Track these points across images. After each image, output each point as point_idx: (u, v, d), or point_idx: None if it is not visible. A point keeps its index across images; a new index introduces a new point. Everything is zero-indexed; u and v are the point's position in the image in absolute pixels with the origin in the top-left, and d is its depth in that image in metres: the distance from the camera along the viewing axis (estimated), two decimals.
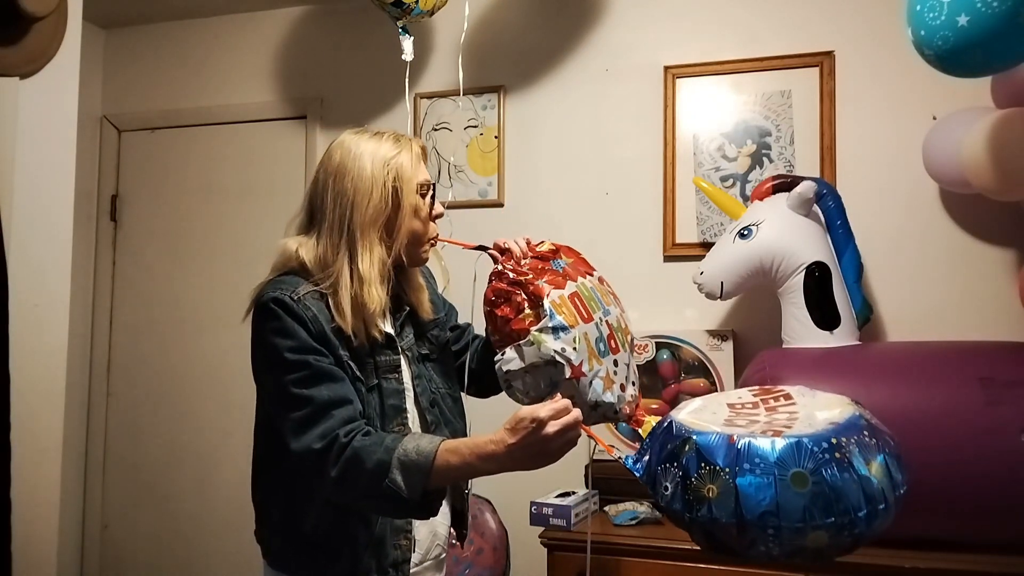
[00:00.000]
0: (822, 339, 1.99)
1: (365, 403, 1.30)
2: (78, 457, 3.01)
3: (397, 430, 1.32)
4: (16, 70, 1.76)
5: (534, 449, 1.12)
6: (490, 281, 1.33)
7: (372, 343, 1.33)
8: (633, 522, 2.01)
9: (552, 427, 1.11)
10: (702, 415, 1.13)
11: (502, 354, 1.26)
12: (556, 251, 1.40)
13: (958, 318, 2.18)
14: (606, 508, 2.10)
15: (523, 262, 1.34)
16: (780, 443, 0.98)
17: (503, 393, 1.32)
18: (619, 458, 1.16)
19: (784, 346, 2.06)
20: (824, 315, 2.00)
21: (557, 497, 2.06)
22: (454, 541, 1.54)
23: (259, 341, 1.29)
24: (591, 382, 1.25)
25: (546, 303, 1.25)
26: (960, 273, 2.20)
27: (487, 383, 1.49)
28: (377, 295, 1.29)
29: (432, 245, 1.44)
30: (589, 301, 1.32)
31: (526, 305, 1.28)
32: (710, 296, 2.11)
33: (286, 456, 1.24)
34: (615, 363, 1.31)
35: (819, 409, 1.08)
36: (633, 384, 1.38)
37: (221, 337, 2.88)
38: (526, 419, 1.12)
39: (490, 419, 1.41)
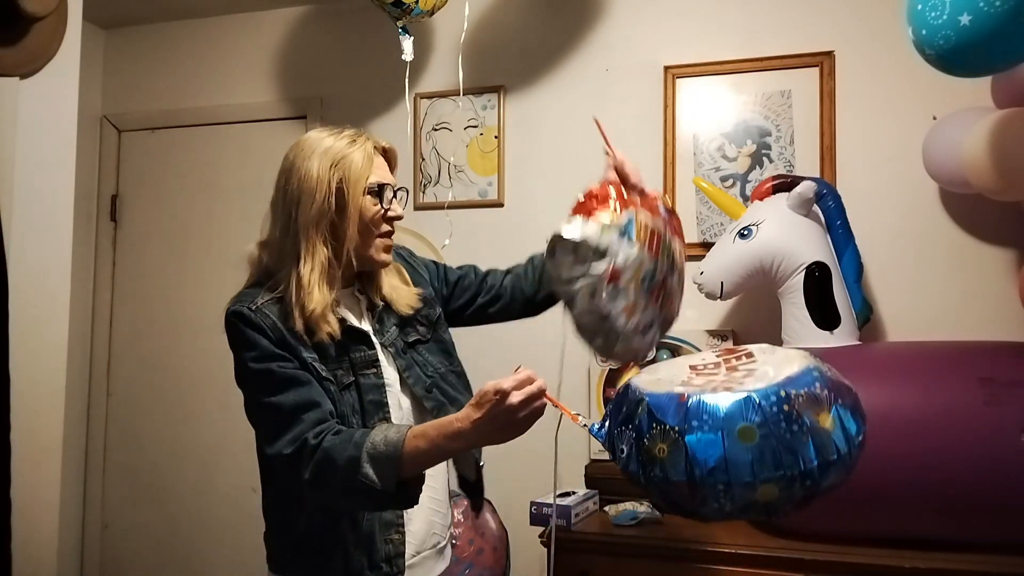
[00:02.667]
0: (822, 339, 1.99)
1: (338, 402, 1.30)
2: (78, 457, 3.00)
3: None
4: (16, 70, 1.76)
5: (500, 421, 1.12)
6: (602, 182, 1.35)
7: (343, 340, 1.32)
8: (633, 522, 2.01)
9: (515, 397, 1.10)
10: (661, 376, 1.12)
11: (569, 221, 1.26)
12: (671, 211, 1.37)
13: (958, 318, 2.18)
14: (606, 508, 2.10)
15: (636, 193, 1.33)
16: (729, 398, 0.97)
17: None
18: (584, 425, 1.16)
19: (784, 346, 2.06)
20: (824, 315, 2.00)
21: (558, 497, 2.06)
22: (455, 536, 1.53)
23: (233, 354, 1.32)
24: (616, 296, 1.22)
25: (631, 212, 1.24)
26: (960, 273, 2.20)
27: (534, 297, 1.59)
28: (319, 297, 1.28)
29: (386, 251, 1.39)
30: (665, 247, 1.27)
31: (617, 206, 1.27)
32: (710, 296, 2.11)
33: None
34: (645, 307, 1.25)
35: (777, 364, 1.08)
36: (648, 343, 1.31)
37: (221, 337, 2.87)
38: (489, 392, 1.12)
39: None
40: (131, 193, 3.12)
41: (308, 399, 1.25)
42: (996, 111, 1.82)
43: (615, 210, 1.25)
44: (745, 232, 2.07)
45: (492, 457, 2.07)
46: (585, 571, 1.92)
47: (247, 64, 2.99)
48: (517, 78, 2.66)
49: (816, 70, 2.34)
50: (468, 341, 1.63)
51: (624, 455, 1.05)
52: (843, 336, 2.00)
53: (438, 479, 1.45)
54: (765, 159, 2.37)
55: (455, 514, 1.59)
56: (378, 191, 1.35)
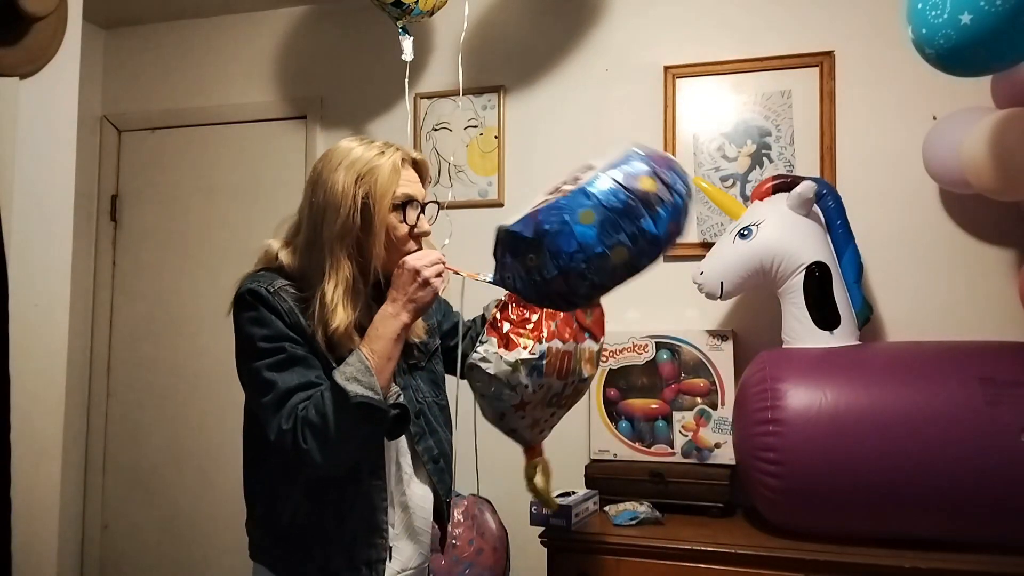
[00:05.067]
0: (822, 339, 1.99)
1: None
2: (78, 457, 3.00)
3: None
4: (16, 70, 1.76)
5: (410, 283, 1.28)
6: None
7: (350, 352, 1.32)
8: (633, 522, 2.00)
9: (412, 260, 1.29)
10: (522, 208, 1.28)
11: (482, 345, 1.38)
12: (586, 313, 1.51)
13: (958, 318, 2.18)
14: (606, 508, 2.10)
15: None
16: (567, 195, 1.16)
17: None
18: (484, 279, 1.32)
19: (784, 346, 2.06)
20: (824, 315, 2.00)
21: (557, 497, 2.06)
22: (455, 536, 1.56)
23: (237, 331, 1.32)
24: (523, 419, 1.43)
25: (544, 346, 1.38)
26: (960, 273, 2.20)
27: None
28: (342, 315, 1.28)
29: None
30: (575, 364, 1.43)
31: (530, 329, 1.41)
32: (710, 296, 2.11)
33: (267, 450, 1.27)
34: (552, 414, 1.48)
35: (604, 160, 1.23)
36: (554, 423, 1.54)
37: (221, 337, 2.85)
38: (397, 269, 1.30)
39: (479, 429, 1.42)
40: (131, 193, 3.12)
41: (310, 380, 1.26)
42: (996, 111, 1.82)
43: (528, 343, 1.39)
44: (745, 232, 2.07)
45: (492, 457, 2.07)
46: (585, 571, 1.92)
47: (247, 64, 2.99)
48: (517, 78, 2.66)
49: (816, 70, 2.33)
50: None
51: (512, 280, 1.22)
52: (843, 336, 2.00)
53: (426, 502, 1.46)
54: (765, 159, 2.37)
55: (455, 514, 1.60)
56: (404, 206, 1.34)
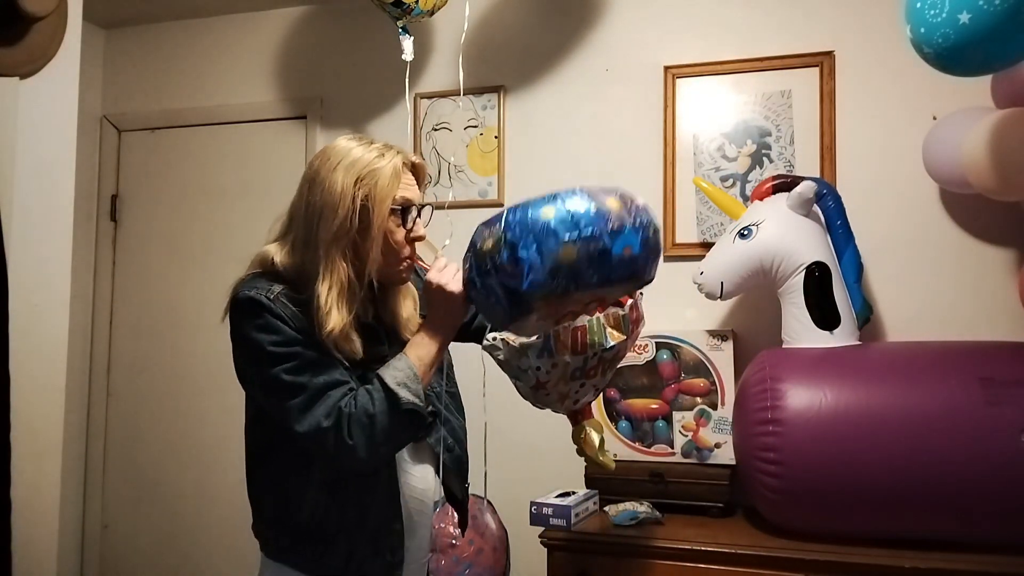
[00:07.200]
0: (822, 339, 1.99)
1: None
2: (78, 457, 3.00)
3: None
4: (16, 70, 1.76)
5: (440, 296, 1.30)
6: None
7: (363, 344, 1.32)
8: (633, 522, 2.00)
9: (432, 275, 1.32)
10: None
11: (491, 332, 1.37)
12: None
13: (958, 318, 2.18)
14: (606, 508, 2.10)
15: None
16: (538, 196, 1.22)
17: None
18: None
19: (784, 346, 2.06)
20: (824, 315, 2.00)
21: (557, 497, 2.06)
22: (455, 536, 1.55)
23: (240, 338, 1.30)
24: (547, 396, 1.41)
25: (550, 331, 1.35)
26: (960, 273, 2.20)
27: None
28: (337, 318, 1.26)
29: (410, 266, 1.40)
30: (592, 335, 1.38)
31: None
32: (710, 296, 2.11)
33: (279, 448, 1.28)
34: (582, 385, 1.41)
35: None
36: (595, 389, 1.47)
37: (221, 337, 2.84)
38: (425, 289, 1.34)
39: (491, 415, 1.41)
40: (131, 193, 3.12)
41: (336, 379, 1.26)
42: (996, 111, 1.82)
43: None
44: (745, 232, 2.07)
45: (492, 457, 2.07)
46: (585, 571, 1.92)
47: (247, 64, 2.99)
48: (517, 78, 2.66)
49: (816, 70, 2.33)
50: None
51: (468, 270, 1.27)
52: (843, 336, 2.00)
53: (424, 483, 1.45)
54: (765, 159, 2.37)
55: (454, 514, 1.60)
56: (402, 211, 1.33)
